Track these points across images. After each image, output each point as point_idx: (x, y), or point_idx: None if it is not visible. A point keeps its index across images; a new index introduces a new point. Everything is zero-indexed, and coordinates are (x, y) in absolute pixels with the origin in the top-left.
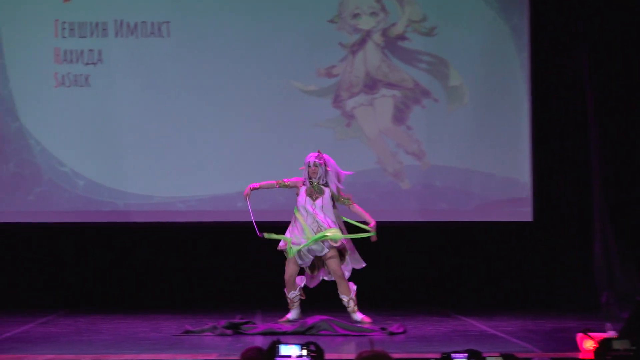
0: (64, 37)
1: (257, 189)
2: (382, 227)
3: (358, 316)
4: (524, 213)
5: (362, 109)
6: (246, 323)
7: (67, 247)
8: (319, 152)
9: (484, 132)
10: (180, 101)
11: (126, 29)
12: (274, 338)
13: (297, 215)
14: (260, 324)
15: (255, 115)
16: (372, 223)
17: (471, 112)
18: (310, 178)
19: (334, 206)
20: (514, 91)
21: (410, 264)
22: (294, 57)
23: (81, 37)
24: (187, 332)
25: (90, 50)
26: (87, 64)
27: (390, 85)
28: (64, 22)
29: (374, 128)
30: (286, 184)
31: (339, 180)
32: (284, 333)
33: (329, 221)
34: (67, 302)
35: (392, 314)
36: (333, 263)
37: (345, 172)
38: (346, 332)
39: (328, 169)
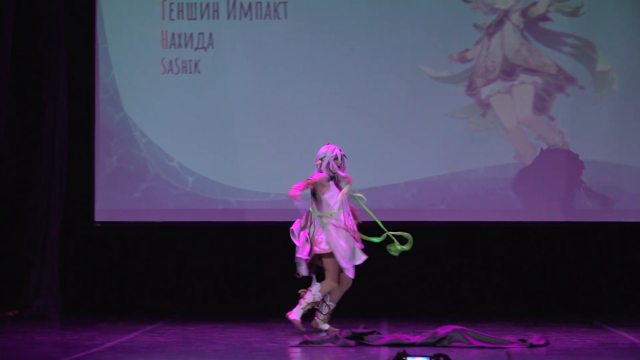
0: (171, 19)
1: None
2: (521, 227)
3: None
4: None
5: (499, 97)
6: (370, 333)
7: (174, 248)
8: (334, 145)
9: (634, 123)
10: (298, 89)
11: (239, 10)
12: (401, 350)
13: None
14: (387, 334)
15: (381, 105)
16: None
17: (621, 100)
18: (335, 172)
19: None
20: None
21: (552, 267)
22: (423, 40)
23: (190, 19)
24: (306, 342)
25: (200, 33)
26: (197, 48)
27: (530, 71)
28: (172, 3)
29: (512, 118)
30: (316, 181)
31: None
32: (412, 344)
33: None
34: (174, 309)
35: (531, 323)
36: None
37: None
38: (481, 344)
39: (340, 173)
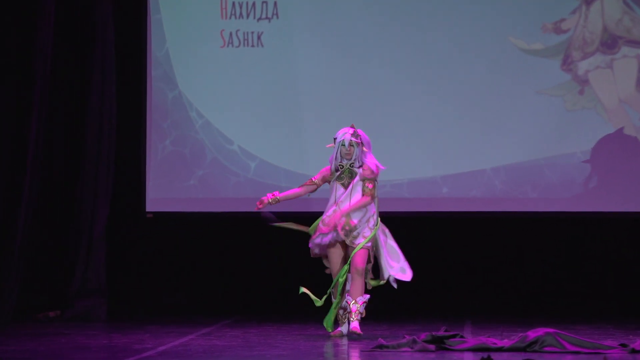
0: None
1: (277, 200)
2: (624, 218)
3: (347, 326)
4: None
5: (598, 72)
6: (453, 336)
7: (234, 242)
8: (353, 126)
9: None
10: (373, 65)
11: None
12: (485, 355)
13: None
14: (471, 338)
15: (465, 82)
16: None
17: None
18: (342, 159)
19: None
20: None
21: None
22: (513, 8)
23: None
24: (381, 346)
25: (264, 2)
26: (260, 19)
27: (634, 43)
28: None
29: (613, 96)
30: (316, 182)
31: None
32: (500, 349)
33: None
34: (234, 309)
35: (634, 326)
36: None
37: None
38: (578, 349)
39: (365, 149)
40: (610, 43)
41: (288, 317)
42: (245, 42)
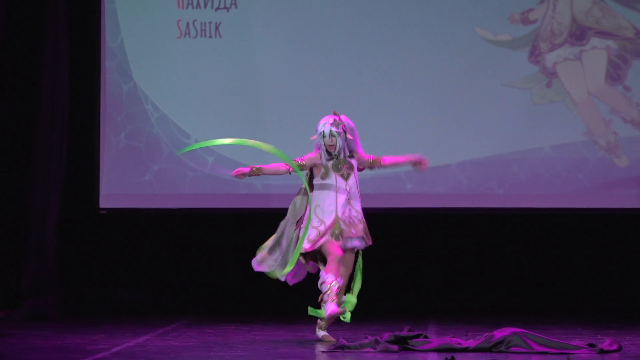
0: None
1: (256, 173)
2: (592, 214)
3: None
4: None
5: (566, 64)
6: (416, 337)
7: (191, 239)
8: (335, 113)
9: None
10: (334, 57)
11: None
12: (449, 355)
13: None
14: (435, 338)
15: (430, 73)
16: (414, 157)
17: None
18: (327, 151)
19: None
20: None
21: (624, 260)
22: None
23: None
24: (342, 347)
25: None
26: (218, 9)
27: (603, 34)
28: None
29: (582, 89)
30: (303, 163)
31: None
32: (465, 350)
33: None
34: (191, 308)
35: (602, 325)
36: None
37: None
38: (544, 349)
39: (349, 136)
40: (579, 34)
41: (246, 317)
42: (203, 32)
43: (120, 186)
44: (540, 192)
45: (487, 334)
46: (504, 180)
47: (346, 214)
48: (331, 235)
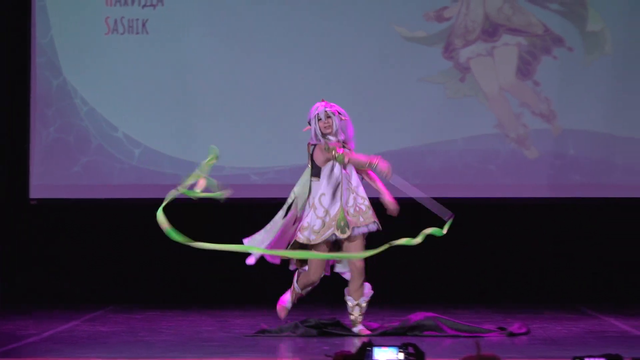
0: None
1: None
2: (502, 204)
3: (357, 328)
4: None
5: (479, 60)
6: (335, 322)
7: (119, 229)
8: (324, 100)
9: (629, 89)
10: (260, 52)
11: None
12: (367, 339)
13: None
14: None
15: (348, 69)
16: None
17: (614, 64)
18: (324, 135)
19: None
20: None
21: (535, 248)
22: None
23: None
24: (263, 332)
25: None
26: (145, 6)
27: (514, 31)
28: None
29: (493, 84)
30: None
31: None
32: (383, 334)
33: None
34: (118, 296)
35: (511, 310)
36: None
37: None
38: (457, 333)
39: (343, 117)
40: (491, 31)
41: (172, 303)
42: (130, 29)
43: (50, 177)
44: (454, 182)
45: (402, 318)
46: (419, 171)
47: (351, 203)
48: (337, 228)
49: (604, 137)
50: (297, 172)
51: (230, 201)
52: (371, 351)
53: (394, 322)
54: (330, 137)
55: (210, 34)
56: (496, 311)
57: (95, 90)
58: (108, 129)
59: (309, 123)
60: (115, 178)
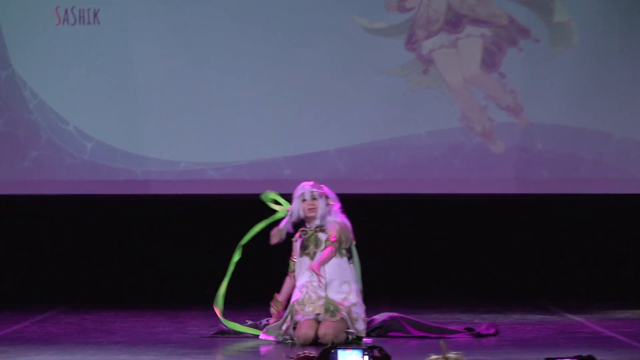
0: None
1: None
2: (468, 200)
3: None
4: None
5: (442, 51)
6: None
7: (70, 226)
8: (314, 181)
9: (597, 81)
10: (214, 44)
11: None
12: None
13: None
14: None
15: (308, 61)
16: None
17: (581, 56)
18: (305, 219)
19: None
20: (637, 29)
21: (502, 246)
22: None
23: None
24: (222, 332)
25: None
26: None
27: (478, 22)
28: None
29: (457, 76)
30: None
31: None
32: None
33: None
34: (70, 296)
35: (479, 310)
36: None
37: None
38: (423, 334)
39: (330, 202)
40: (454, 22)
41: (125, 303)
42: (81, 19)
43: None
44: (418, 177)
45: (367, 318)
46: (382, 167)
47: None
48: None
49: (571, 130)
50: (256, 168)
51: (186, 197)
52: (335, 354)
53: None
54: (314, 222)
55: (165, 23)
56: (463, 311)
57: (45, 83)
58: (59, 122)
59: (291, 202)
60: (66, 173)
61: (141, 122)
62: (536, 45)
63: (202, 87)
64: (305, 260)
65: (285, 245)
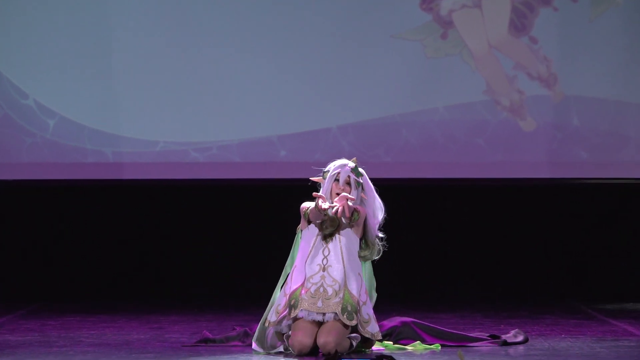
0: None
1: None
2: (493, 186)
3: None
4: None
5: (464, 12)
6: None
7: (31, 214)
8: (355, 161)
9: None
10: (197, 14)
11: None
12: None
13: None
14: None
15: (304, 24)
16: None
17: (627, 18)
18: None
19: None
20: None
21: (532, 239)
22: None
23: None
24: (206, 340)
25: None
26: None
27: None
28: None
29: (482, 41)
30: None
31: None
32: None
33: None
34: (29, 298)
35: (506, 314)
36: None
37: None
38: (439, 341)
39: (364, 196)
40: None
41: (94, 306)
42: None
43: None
44: (434, 159)
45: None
46: (392, 147)
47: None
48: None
49: (613, 104)
50: (245, 148)
51: (164, 183)
52: None
53: None
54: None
55: None
56: (486, 315)
57: (2, 52)
58: (17, 96)
59: (323, 175)
60: (25, 155)
61: (112, 94)
62: (574, 5)
63: (184, 57)
64: (319, 239)
65: (285, 246)
